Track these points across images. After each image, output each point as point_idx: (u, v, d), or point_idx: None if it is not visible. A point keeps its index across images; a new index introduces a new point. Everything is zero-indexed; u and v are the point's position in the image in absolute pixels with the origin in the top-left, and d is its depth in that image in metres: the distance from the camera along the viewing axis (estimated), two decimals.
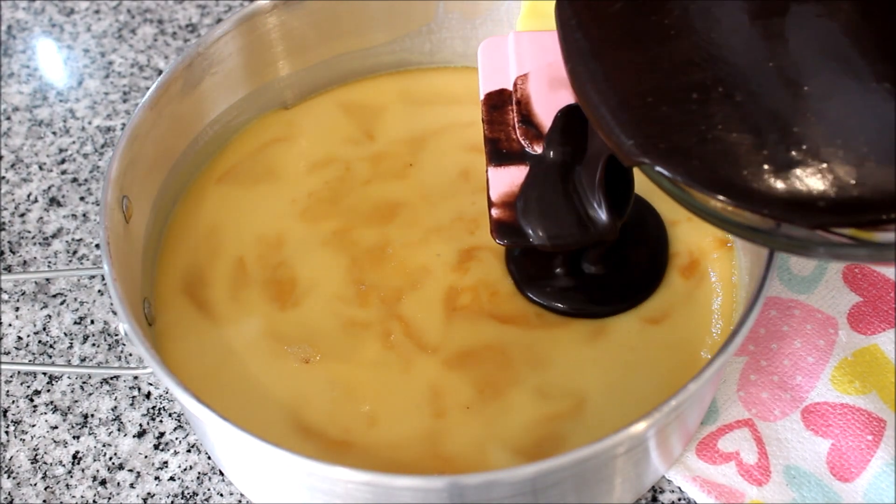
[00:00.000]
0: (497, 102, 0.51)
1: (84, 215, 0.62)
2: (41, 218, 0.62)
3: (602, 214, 0.48)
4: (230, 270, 0.54)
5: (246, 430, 0.40)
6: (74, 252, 0.60)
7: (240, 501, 0.50)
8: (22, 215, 0.62)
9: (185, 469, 0.51)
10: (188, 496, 0.50)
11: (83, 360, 0.56)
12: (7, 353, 0.56)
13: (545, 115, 0.50)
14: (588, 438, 0.43)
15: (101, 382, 0.54)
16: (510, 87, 0.51)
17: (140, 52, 0.71)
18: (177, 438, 0.52)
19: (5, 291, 0.59)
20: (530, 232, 0.49)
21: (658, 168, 0.39)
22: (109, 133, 0.66)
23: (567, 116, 0.49)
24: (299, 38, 0.59)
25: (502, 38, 0.53)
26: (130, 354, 0.56)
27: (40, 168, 0.64)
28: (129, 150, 0.50)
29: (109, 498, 0.50)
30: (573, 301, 0.52)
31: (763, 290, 0.44)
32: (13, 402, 0.54)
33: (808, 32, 0.40)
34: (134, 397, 0.54)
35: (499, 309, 0.52)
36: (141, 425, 0.53)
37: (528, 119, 0.50)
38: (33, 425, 0.53)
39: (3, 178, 0.64)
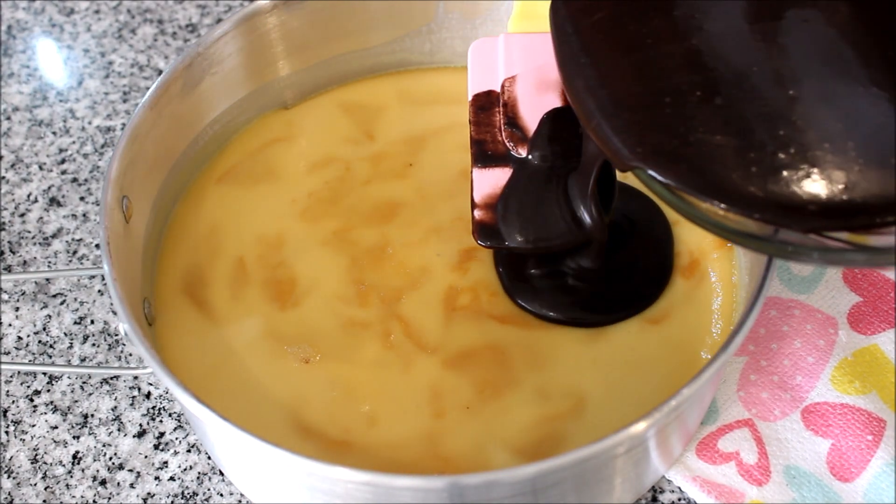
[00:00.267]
0: (484, 104, 0.51)
1: (84, 215, 0.62)
2: (41, 218, 0.62)
3: (589, 216, 0.48)
4: (230, 270, 0.54)
5: (246, 430, 0.40)
6: (74, 252, 0.60)
7: (240, 501, 0.50)
8: (22, 215, 0.62)
9: (185, 469, 0.51)
10: (188, 496, 0.50)
11: (83, 360, 0.56)
12: (7, 353, 0.56)
13: (531, 119, 0.50)
14: (588, 438, 0.43)
15: (101, 382, 0.54)
16: (498, 89, 0.51)
17: (140, 52, 0.71)
18: (177, 438, 0.52)
19: (5, 291, 0.59)
20: (507, 234, 0.49)
21: (651, 172, 0.39)
22: (109, 133, 0.66)
23: (552, 120, 0.49)
24: (299, 38, 0.59)
25: (493, 39, 0.53)
26: (130, 354, 0.56)
27: (40, 168, 0.64)
28: (129, 150, 0.50)
29: (109, 498, 0.50)
30: (567, 309, 0.51)
31: (763, 290, 0.44)
32: (13, 402, 0.54)
33: (800, 36, 0.40)
34: (134, 397, 0.54)
35: (499, 309, 0.52)
36: (141, 425, 0.53)
37: (514, 122, 0.50)
38: (33, 425, 0.53)
39: (3, 178, 0.64)
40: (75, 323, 0.57)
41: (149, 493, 0.50)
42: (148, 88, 0.61)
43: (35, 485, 0.51)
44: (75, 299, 0.58)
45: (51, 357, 0.56)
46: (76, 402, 0.54)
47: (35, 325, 0.57)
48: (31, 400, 0.54)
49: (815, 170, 0.37)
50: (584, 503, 0.44)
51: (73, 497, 0.50)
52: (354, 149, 0.59)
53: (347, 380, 0.49)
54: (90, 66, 0.70)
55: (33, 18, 0.74)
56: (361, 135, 0.60)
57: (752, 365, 0.52)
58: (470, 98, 0.52)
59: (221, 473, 0.51)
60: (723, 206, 0.38)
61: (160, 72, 0.69)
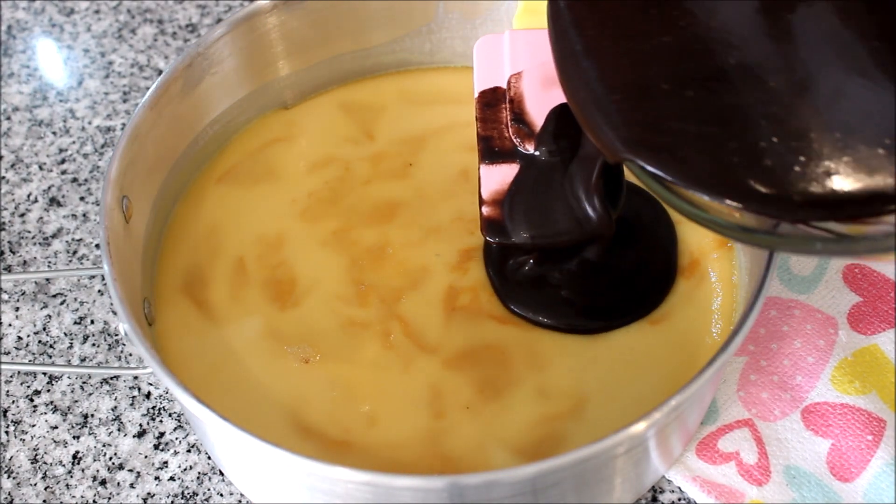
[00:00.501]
0: (491, 100, 0.51)
1: (84, 215, 0.62)
2: (41, 218, 0.62)
3: (594, 211, 0.48)
4: (230, 270, 0.54)
5: (246, 430, 0.40)
6: (74, 252, 0.60)
7: (240, 501, 0.50)
8: (22, 215, 0.62)
9: (185, 469, 0.51)
10: (188, 496, 0.50)
11: (83, 360, 0.56)
12: (7, 353, 0.56)
13: (538, 114, 0.50)
14: (588, 438, 0.43)
15: (101, 382, 0.54)
16: (504, 86, 0.51)
17: (140, 52, 0.71)
18: (177, 438, 0.52)
19: (5, 291, 0.59)
20: (514, 231, 0.49)
21: (642, 164, 0.39)
22: (109, 133, 0.66)
23: (559, 116, 0.49)
24: (299, 38, 0.59)
25: (498, 36, 0.53)
26: (130, 354, 0.56)
27: (40, 168, 0.64)
28: (129, 150, 0.50)
29: (109, 498, 0.50)
30: (564, 315, 0.51)
31: (763, 290, 0.44)
32: (13, 402, 0.54)
33: (795, 30, 0.40)
34: (134, 397, 0.54)
35: (498, 309, 0.52)
36: (141, 425, 0.53)
37: (520, 118, 0.50)
38: (33, 425, 0.53)
39: (3, 178, 0.64)
40: (75, 323, 0.57)
41: (149, 493, 0.50)
42: (148, 88, 0.61)
43: (35, 485, 0.51)
44: (75, 299, 0.58)
45: (51, 357, 0.56)
46: (76, 402, 0.54)
47: (35, 325, 0.57)
48: (31, 400, 0.54)
49: (805, 160, 0.37)
50: (584, 503, 0.44)
51: (73, 497, 0.50)
52: (354, 149, 0.59)
53: (347, 380, 0.49)
54: (90, 66, 0.70)
55: (33, 18, 0.74)
56: (361, 135, 0.60)
57: (752, 365, 0.52)
58: (476, 95, 0.52)
59: (221, 473, 0.51)
60: (731, 203, 0.37)
61: (160, 72, 0.69)
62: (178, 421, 0.53)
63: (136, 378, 0.54)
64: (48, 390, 0.54)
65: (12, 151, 0.66)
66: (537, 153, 0.50)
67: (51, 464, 0.52)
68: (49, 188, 0.63)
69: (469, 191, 0.56)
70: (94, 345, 0.56)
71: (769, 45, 0.40)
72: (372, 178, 0.57)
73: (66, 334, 0.57)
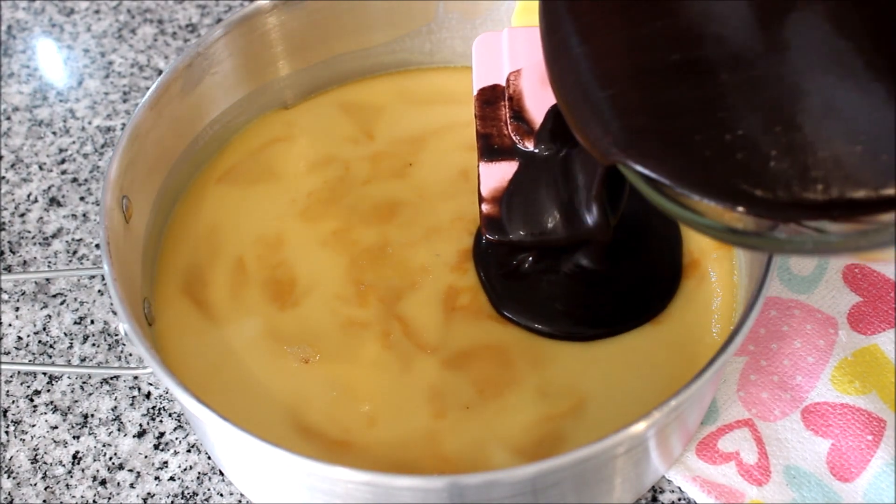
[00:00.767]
0: (490, 98, 0.51)
1: (84, 215, 0.62)
2: (41, 218, 0.62)
3: (592, 218, 0.48)
4: (230, 270, 0.54)
5: (246, 430, 0.40)
6: (74, 252, 0.60)
7: (240, 501, 0.50)
8: (22, 215, 0.62)
9: (185, 469, 0.51)
10: (188, 496, 0.50)
11: (83, 360, 0.56)
12: (7, 353, 0.56)
13: (537, 112, 0.50)
14: (588, 438, 0.43)
15: (101, 382, 0.54)
16: (503, 83, 0.51)
17: (140, 52, 0.71)
18: (177, 438, 0.52)
19: (5, 291, 0.59)
20: (511, 228, 0.49)
21: (634, 165, 0.39)
22: (109, 133, 0.66)
23: (558, 113, 0.49)
24: (299, 38, 0.59)
25: (497, 33, 0.53)
26: (130, 354, 0.56)
27: (40, 168, 0.64)
28: (129, 150, 0.50)
29: (109, 498, 0.50)
30: (561, 321, 0.51)
31: (763, 290, 0.44)
32: (13, 402, 0.54)
33: (789, 28, 0.40)
34: (134, 397, 0.54)
35: None
36: (141, 425, 0.53)
37: (519, 115, 0.50)
38: (33, 425, 0.53)
39: (3, 178, 0.64)
40: (75, 323, 0.57)
41: (149, 493, 0.50)
42: (148, 88, 0.61)
43: (35, 485, 0.51)
44: (75, 299, 0.58)
45: (51, 357, 0.56)
46: (76, 402, 0.54)
47: (35, 325, 0.57)
48: (31, 400, 0.54)
49: (792, 160, 0.36)
50: (584, 503, 0.44)
51: (73, 497, 0.50)
52: (354, 148, 0.59)
53: (347, 380, 0.49)
54: (90, 66, 0.70)
55: (33, 18, 0.74)
56: (361, 134, 0.60)
57: (752, 365, 0.52)
58: (475, 92, 0.52)
59: (221, 473, 0.51)
60: (738, 207, 0.37)
61: (160, 72, 0.69)
62: (178, 421, 0.53)
63: (136, 378, 0.54)
64: (48, 390, 0.54)
65: (12, 151, 0.66)
66: (536, 150, 0.50)
67: (51, 464, 0.52)
68: (49, 188, 0.63)
69: (469, 191, 0.56)
70: (94, 345, 0.56)
71: (760, 42, 0.39)
72: (372, 178, 0.57)
73: (66, 334, 0.57)
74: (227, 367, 0.50)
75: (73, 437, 0.52)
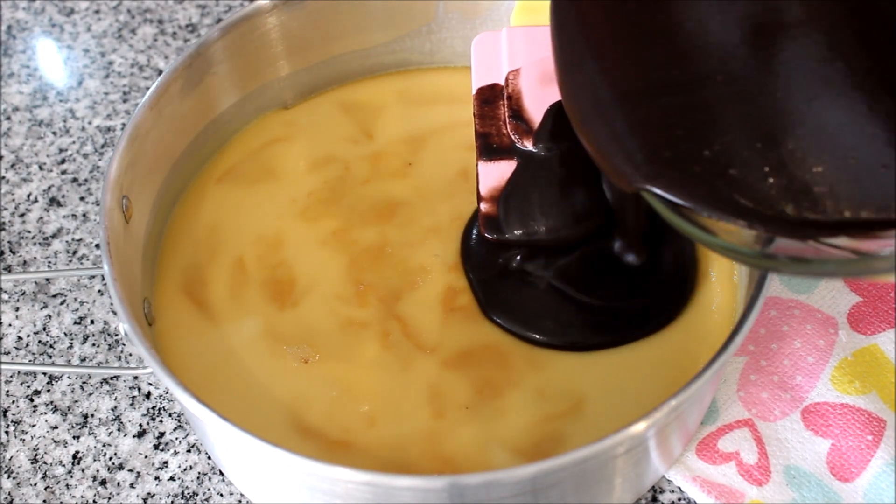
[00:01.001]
0: (489, 97, 0.51)
1: (84, 215, 0.62)
2: (41, 218, 0.62)
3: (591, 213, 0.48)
4: (230, 270, 0.54)
5: (246, 430, 0.40)
6: (74, 252, 0.60)
7: (240, 501, 0.50)
8: (22, 215, 0.62)
9: (185, 469, 0.51)
10: (188, 496, 0.50)
11: (83, 360, 0.56)
12: (7, 353, 0.56)
13: (536, 111, 0.50)
14: (588, 438, 0.43)
15: (101, 382, 0.54)
16: (502, 82, 0.51)
17: (140, 52, 0.71)
18: (177, 438, 0.52)
19: (5, 291, 0.59)
20: (508, 227, 0.49)
21: (662, 193, 0.39)
22: (109, 133, 0.66)
23: (557, 113, 0.49)
24: (299, 38, 0.59)
25: (495, 33, 0.53)
26: (130, 354, 0.56)
27: (40, 168, 0.64)
28: (129, 150, 0.50)
29: (109, 498, 0.50)
30: (552, 331, 0.50)
31: (763, 290, 0.44)
32: (13, 402, 0.54)
33: (791, 52, 0.40)
34: (134, 397, 0.54)
35: None
36: (141, 425, 0.53)
37: (518, 114, 0.50)
38: (33, 425, 0.53)
39: (3, 178, 0.64)
40: (75, 323, 0.57)
41: (149, 493, 0.50)
42: (148, 88, 0.60)
43: (35, 485, 0.51)
44: (75, 299, 0.58)
45: (51, 357, 0.56)
46: (76, 402, 0.54)
47: (35, 325, 0.57)
48: (31, 400, 0.54)
49: (777, 178, 0.37)
50: (584, 503, 0.44)
51: (73, 497, 0.50)
52: (354, 148, 0.59)
53: (346, 380, 0.49)
54: (90, 66, 0.70)
55: (33, 18, 0.74)
56: (361, 134, 0.60)
57: (752, 365, 0.52)
58: (474, 91, 0.52)
59: (221, 473, 0.51)
60: (768, 229, 0.37)
61: (160, 72, 0.69)
62: (178, 421, 0.53)
63: (136, 378, 0.54)
64: (48, 390, 0.54)
65: (12, 151, 0.66)
66: (535, 150, 0.50)
67: (51, 464, 0.52)
68: (49, 188, 0.63)
69: (468, 190, 0.56)
70: (94, 345, 0.56)
71: (766, 63, 0.40)
72: (371, 178, 0.57)
73: (66, 334, 0.57)
74: (226, 366, 0.50)
75: (73, 437, 0.52)
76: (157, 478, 0.51)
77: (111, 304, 0.57)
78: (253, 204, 0.57)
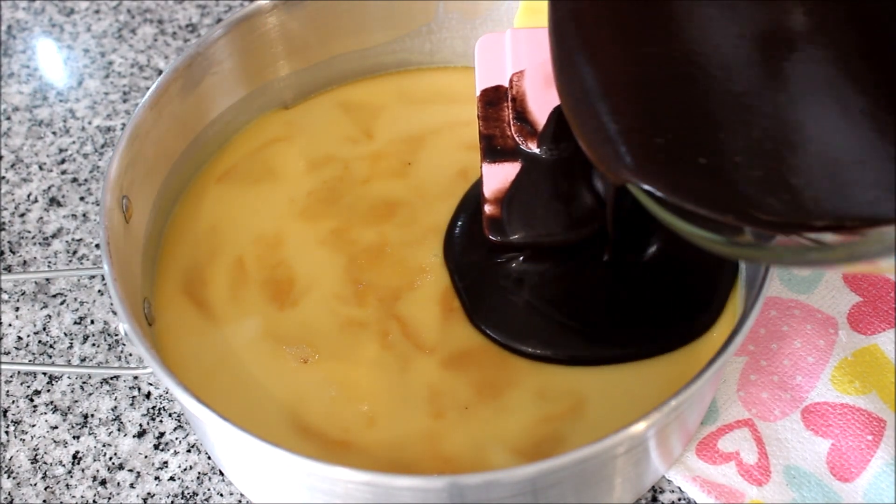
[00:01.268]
0: (493, 99, 0.51)
1: (84, 215, 0.62)
2: (41, 218, 0.62)
3: (590, 223, 0.47)
4: (229, 270, 0.54)
5: (246, 430, 0.40)
6: (74, 252, 0.60)
7: (240, 501, 0.50)
8: (22, 215, 0.62)
9: (185, 469, 0.51)
10: (188, 496, 0.50)
11: (83, 360, 0.56)
12: (7, 353, 0.56)
13: (540, 113, 0.50)
14: (588, 438, 0.43)
15: (101, 382, 0.54)
16: (506, 84, 0.51)
17: (140, 52, 0.71)
18: (177, 438, 0.52)
19: (5, 291, 0.59)
20: (511, 229, 0.49)
21: (646, 186, 0.39)
22: (109, 133, 0.66)
23: (562, 115, 0.49)
24: (299, 38, 0.59)
25: (499, 34, 0.53)
26: (130, 354, 0.56)
27: (40, 168, 0.64)
28: (129, 150, 0.50)
29: (109, 498, 0.50)
30: (553, 339, 0.49)
31: (763, 290, 0.44)
32: (13, 402, 0.54)
33: (789, 57, 0.40)
34: (134, 397, 0.54)
35: None
36: (141, 425, 0.53)
37: (522, 116, 0.50)
38: (33, 425, 0.53)
39: (3, 178, 0.64)
40: (75, 323, 0.57)
41: (149, 493, 0.50)
42: (148, 88, 0.60)
43: (35, 485, 0.51)
44: (75, 299, 0.58)
45: (51, 357, 0.56)
46: (76, 402, 0.54)
47: (35, 325, 0.57)
48: (31, 400, 0.54)
49: (757, 175, 0.37)
50: (584, 503, 0.44)
51: (73, 497, 0.50)
52: (353, 148, 0.59)
53: (346, 380, 0.49)
54: (90, 66, 0.70)
55: (33, 18, 0.74)
56: (360, 134, 0.60)
57: (752, 365, 0.52)
58: (478, 93, 0.52)
59: (221, 473, 0.51)
60: (744, 222, 0.37)
61: (160, 72, 0.69)
62: (178, 421, 0.53)
63: (136, 378, 0.54)
64: (48, 390, 0.54)
65: (12, 151, 0.66)
66: (539, 152, 0.50)
67: (51, 464, 0.52)
68: (49, 188, 0.63)
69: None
70: (94, 345, 0.56)
71: (759, 68, 0.40)
72: (371, 178, 0.57)
73: (66, 334, 0.57)
74: (226, 366, 0.50)
75: (73, 437, 0.52)
76: (157, 478, 0.51)
77: (111, 304, 0.57)
78: (253, 204, 0.57)
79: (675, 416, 0.43)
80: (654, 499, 0.49)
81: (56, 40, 0.73)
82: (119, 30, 0.73)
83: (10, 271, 0.59)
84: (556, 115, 0.49)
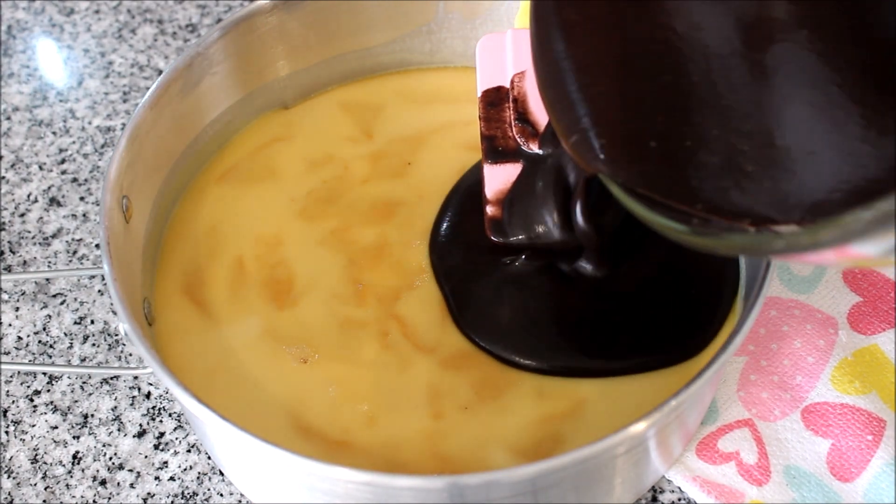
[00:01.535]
0: (494, 99, 0.51)
1: (84, 215, 0.62)
2: (41, 218, 0.62)
3: (577, 219, 0.47)
4: (229, 270, 0.54)
5: (246, 430, 0.40)
6: (74, 252, 0.60)
7: (240, 501, 0.50)
8: (22, 215, 0.62)
9: (185, 469, 0.51)
10: (188, 496, 0.50)
11: (83, 360, 0.56)
12: (7, 353, 0.56)
13: (541, 114, 0.50)
14: (587, 439, 0.43)
15: (101, 382, 0.54)
16: (507, 85, 0.51)
17: (140, 52, 0.71)
18: (177, 438, 0.52)
19: (5, 291, 0.59)
20: (511, 230, 0.49)
21: (616, 177, 0.39)
22: (109, 133, 0.66)
23: None
24: (299, 39, 0.59)
25: (500, 35, 0.53)
26: (130, 354, 0.56)
27: (40, 168, 0.64)
28: (129, 150, 0.50)
29: (109, 498, 0.50)
30: (546, 349, 0.49)
31: (763, 290, 0.44)
32: (13, 402, 0.54)
33: (771, 53, 0.40)
34: (134, 397, 0.54)
35: None
36: (141, 425, 0.53)
37: (524, 117, 0.50)
38: (33, 425, 0.53)
39: (3, 178, 0.64)
40: (75, 323, 0.57)
41: (149, 493, 0.50)
42: (148, 88, 0.60)
43: (35, 485, 0.51)
44: (75, 299, 0.58)
45: (51, 357, 0.56)
46: (76, 402, 0.54)
47: (35, 325, 0.57)
48: (31, 400, 0.54)
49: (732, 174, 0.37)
50: (584, 503, 0.44)
51: (73, 497, 0.50)
52: (353, 147, 0.59)
53: (345, 379, 0.49)
54: (90, 66, 0.70)
55: (33, 18, 0.74)
56: (360, 134, 0.60)
57: (752, 365, 0.52)
58: (479, 94, 0.52)
59: (221, 473, 0.51)
60: (706, 213, 0.37)
61: (160, 72, 0.69)
62: (178, 421, 0.53)
63: (136, 378, 0.54)
64: (48, 390, 0.54)
65: (12, 151, 0.66)
66: (541, 153, 0.50)
67: (51, 464, 0.52)
68: (49, 188, 0.63)
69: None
70: (94, 345, 0.56)
71: (741, 63, 0.39)
72: (370, 177, 0.57)
73: (66, 334, 0.57)
74: (226, 366, 0.50)
75: (73, 437, 0.52)
76: (157, 478, 0.51)
77: (111, 304, 0.57)
78: (252, 204, 0.57)
79: (675, 416, 0.43)
80: (654, 499, 0.49)
81: (56, 40, 0.73)
82: (119, 30, 0.73)
83: (10, 271, 0.59)
84: None
